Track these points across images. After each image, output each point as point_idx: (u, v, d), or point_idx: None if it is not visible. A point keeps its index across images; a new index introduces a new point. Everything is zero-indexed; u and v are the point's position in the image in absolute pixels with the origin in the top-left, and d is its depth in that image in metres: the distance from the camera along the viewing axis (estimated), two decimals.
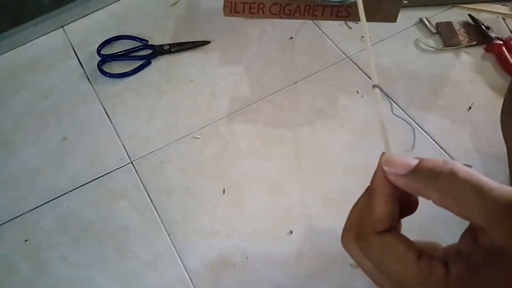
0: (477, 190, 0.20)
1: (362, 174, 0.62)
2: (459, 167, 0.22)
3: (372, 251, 0.23)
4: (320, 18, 0.31)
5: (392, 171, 0.24)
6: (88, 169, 0.65)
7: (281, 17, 0.32)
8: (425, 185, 0.22)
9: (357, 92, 0.70)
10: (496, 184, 0.20)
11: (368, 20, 0.26)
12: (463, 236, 0.23)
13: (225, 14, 0.31)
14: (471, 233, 0.22)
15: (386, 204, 0.24)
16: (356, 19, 0.35)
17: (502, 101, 0.55)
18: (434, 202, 0.22)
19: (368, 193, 0.26)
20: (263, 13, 0.32)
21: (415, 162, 0.23)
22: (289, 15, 0.32)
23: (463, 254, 0.22)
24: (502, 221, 0.19)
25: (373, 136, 0.66)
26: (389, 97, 0.70)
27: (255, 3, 0.31)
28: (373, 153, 0.66)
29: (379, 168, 0.25)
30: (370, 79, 0.23)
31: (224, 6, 0.31)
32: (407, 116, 0.67)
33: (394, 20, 0.30)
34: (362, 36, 0.76)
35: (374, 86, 0.23)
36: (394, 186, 0.24)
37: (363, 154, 0.64)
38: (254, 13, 0.31)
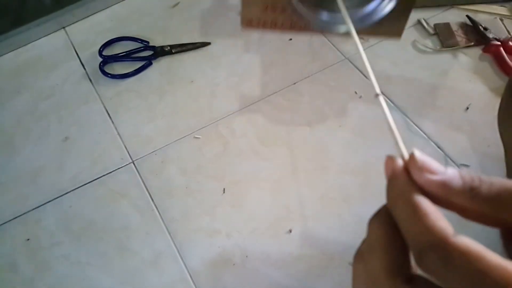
0: None
1: (360, 173, 0.63)
2: None
3: None
4: (326, 31, 0.35)
5: (433, 177, 0.16)
6: (90, 168, 0.65)
7: (292, 31, 0.36)
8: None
9: (356, 92, 0.71)
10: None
11: (372, 36, 0.27)
12: None
13: (242, 27, 0.36)
14: None
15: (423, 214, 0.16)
16: (364, 34, 0.37)
17: (499, 101, 0.55)
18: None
19: (383, 220, 0.17)
20: (276, 27, 0.36)
21: (455, 174, 0.17)
22: (299, 29, 0.36)
23: None
24: None
25: (372, 136, 0.66)
26: (387, 96, 0.70)
27: (268, 19, 0.35)
28: (372, 153, 0.67)
29: (398, 172, 0.17)
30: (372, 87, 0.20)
31: (242, 21, 0.35)
32: (404, 117, 0.68)
33: (399, 36, 0.31)
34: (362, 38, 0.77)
35: (377, 95, 0.20)
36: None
37: (361, 154, 0.65)
38: (267, 27, 0.36)
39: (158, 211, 0.61)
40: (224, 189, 0.62)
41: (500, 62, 0.72)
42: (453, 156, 0.64)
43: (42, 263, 0.58)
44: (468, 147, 0.65)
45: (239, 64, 0.75)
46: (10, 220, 0.61)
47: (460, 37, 0.76)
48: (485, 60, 0.74)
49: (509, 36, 0.75)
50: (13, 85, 0.75)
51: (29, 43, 0.80)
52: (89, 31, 0.80)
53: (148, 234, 0.59)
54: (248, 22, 0.35)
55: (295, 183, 0.63)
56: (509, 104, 0.52)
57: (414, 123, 0.67)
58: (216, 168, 0.64)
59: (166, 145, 0.67)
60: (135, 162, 0.66)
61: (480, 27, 0.76)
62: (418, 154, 0.17)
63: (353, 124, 0.68)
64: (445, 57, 0.75)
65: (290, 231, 0.59)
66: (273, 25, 0.35)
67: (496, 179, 0.16)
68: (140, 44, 0.77)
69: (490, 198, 0.16)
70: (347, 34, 0.27)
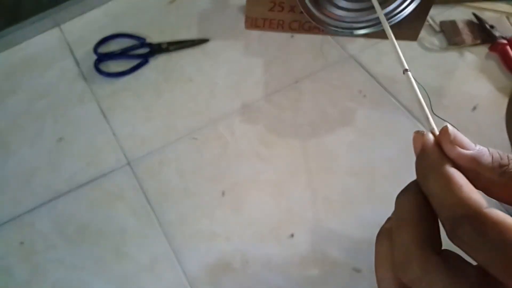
0: None
1: (364, 175, 0.62)
2: None
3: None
4: (340, 35, 0.33)
5: (464, 152, 0.17)
6: (85, 170, 0.64)
7: (300, 32, 0.34)
8: None
9: (360, 91, 0.70)
10: None
11: (387, 38, 0.25)
12: None
13: (246, 27, 0.33)
14: None
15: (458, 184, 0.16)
16: (375, 36, 0.36)
17: (507, 101, 0.54)
18: None
19: (414, 189, 0.18)
20: (283, 28, 0.34)
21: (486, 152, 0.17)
22: (308, 30, 0.33)
23: None
24: None
25: (376, 137, 0.65)
26: (393, 96, 0.69)
27: (275, 19, 0.33)
28: (377, 154, 0.66)
29: (430, 146, 0.18)
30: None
31: (246, 21, 0.33)
32: (410, 116, 0.67)
33: (415, 39, 0.30)
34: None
35: (405, 70, 0.21)
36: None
37: (365, 155, 0.63)
38: (274, 28, 0.33)
39: (155, 214, 0.60)
40: (223, 191, 0.61)
41: (506, 61, 0.71)
42: None
43: (37, 267, 0.57)
44: None
45: (239, 62, 0.74)
46: (3, 223, 0.60)
47: (466, 35, 0.75)
48: (492, 58, 0.72)
49: None
50: (7, 84, 0.74)
51: (23, 41, 0.79)
52: (84, 28, 0.79)
53: (145, 238, 0.58)
54: (253, 22, 0.33)
55: (297, 185, 0.61)
56: None
57: (420, 123, 0.66)
58: (215, 170, 0.63)
59: (164, 146, 0.65)
60: (131, 163, 0.64)
61: (487, 25, 0.75)
62: (451, 128, 0.17)
63: (357, 124, 0.66)
64: (451, 55, 0.73)
65: (292, 235, 0.58)
66: (280, 26, 0.33)
67: None
68: (136, 41, 0.76)
69: None
70: (362, 36, 0.25)
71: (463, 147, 0.17)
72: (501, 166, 0.16)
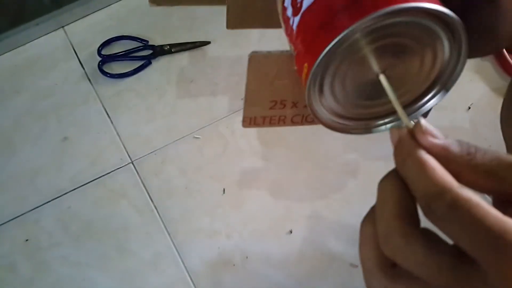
0: None
1: (361, 173, 0.62)
2: None
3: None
4: (353, 134, 0.29)
5: (435, 141, 0.18)
6: (89, 169, 0.65)
7: (303, 125, 0.31)
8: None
9: None
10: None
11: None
12: None
13: (244, 126, 0.30)
14: None
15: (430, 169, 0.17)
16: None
17: (501, 101, 0.55)
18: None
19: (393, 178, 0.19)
20: (284, 123, 0.30)
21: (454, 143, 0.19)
22: (312, 122, 0.30)
23: None
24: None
25: (373, 136, 0.66)
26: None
27: (276, 116, 0.30)
28: (373, 153, 0.66)
29: (405, 137, 0.19)
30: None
31: (243, 121, 0.29)
32: None
33: (426, 116, 0.28)
34: None
35: (380, 73, 0.22)
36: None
37: (363, 154, 0.64)
38: (275, 124, 0.30)
39: (158, 212, 0.61)
40: (224, 189, 0.62)
41: (501, 62, 0.72)
42: None
43: (41, 263, 0.58)
44: None
45: (239, 63, 0.75)
46: (9, 221, 0.61)
47: None
48: (487, 59, 0.73)
49: None
50: (11, 85, 0.74)
51: (27, 42, 0.79)
52: (88, 30, 0.80)
53: (148, 235, 0.59)
54: (251, 121, 0.30)
55: (295, 183, 0.62)
56: None
57: (414, 123, 0.67)
58: (216, 168, 0.64)
59: (166, 145, 0.66)
60: (134, 162, 0.65)
61: None
62: (423, 121, 0.20)
63: None
64: None
65: (291, 231, 0.59)
66: (282, 121, 0.30)
67: (490, 150, 0.18)
68: (139, 43, 0.76)
69: (483, 164, 0.18)
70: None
71: (434, 137, 0.19)
72: (468, 154, 0.18)
